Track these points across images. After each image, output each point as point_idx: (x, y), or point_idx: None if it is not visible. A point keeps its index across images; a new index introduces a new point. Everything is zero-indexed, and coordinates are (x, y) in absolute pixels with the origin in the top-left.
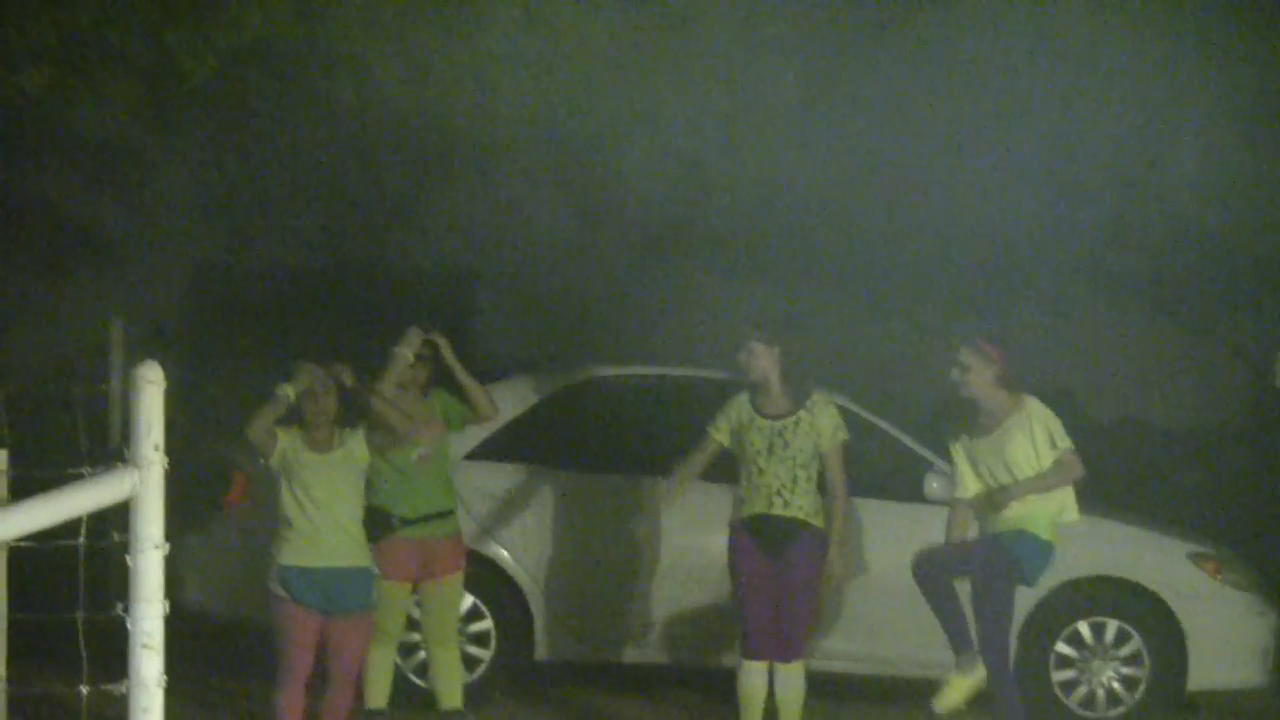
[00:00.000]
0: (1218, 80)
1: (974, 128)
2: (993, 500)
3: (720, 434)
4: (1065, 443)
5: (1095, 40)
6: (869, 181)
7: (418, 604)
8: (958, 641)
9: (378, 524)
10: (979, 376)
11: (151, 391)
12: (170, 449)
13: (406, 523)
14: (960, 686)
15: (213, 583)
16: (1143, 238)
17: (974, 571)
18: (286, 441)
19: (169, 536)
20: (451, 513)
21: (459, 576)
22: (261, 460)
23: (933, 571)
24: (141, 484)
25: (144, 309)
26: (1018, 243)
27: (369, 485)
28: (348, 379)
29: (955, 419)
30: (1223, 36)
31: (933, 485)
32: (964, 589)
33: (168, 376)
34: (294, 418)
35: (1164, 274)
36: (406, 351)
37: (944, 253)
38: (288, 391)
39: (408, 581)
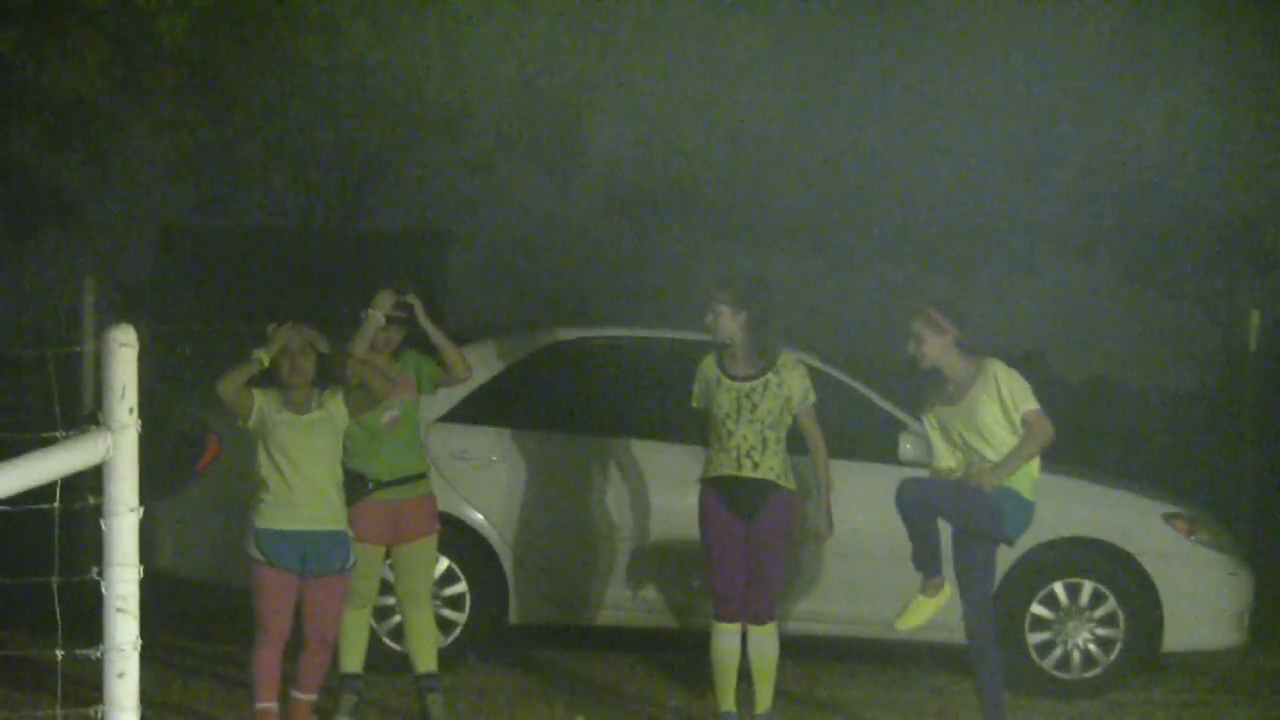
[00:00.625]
0: (1185, 41)
1: (944, 88)
2: (974, 479)
3: (695, 397)
4: (1026, 405)
5: (1063, 3)
6: (839, 142)
7: (391, 567)
8: (927, 563)
9: (351, 487)
10: (933, 346)
11: (124, 355)
12: (142, 411)
13: (379, 485)
14: (924, 607)
15: (187, 546)
16: (1112, 198)
17: (956, 523)
18: (263, 402)
19: (142, 500)
20: (424, 475)
21: (433, 539)
22: (239, 423)
23: (917, 501)
24: (115, 448)
25: (114, 269)
26: (987, 202)
27: (344, 450)
28: (322, 346)
29: (925, 390)
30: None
31: (906, 446)
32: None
33: (139, 338)
34: (272, 379)
35: (1134, 235)
36: (378, 314)
37: (914, 212)
38: (261, 356)
39: (381, 544)
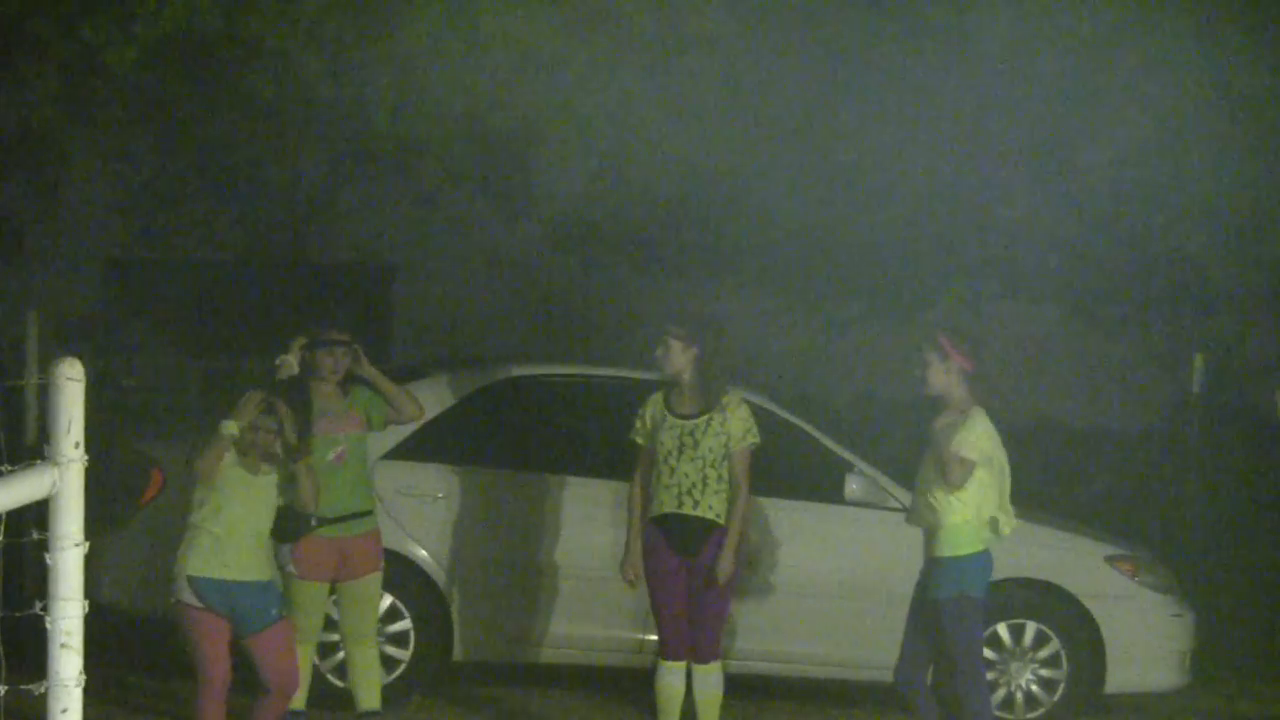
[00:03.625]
0: (1132, 80)
1: (890, 126)
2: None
3: (639, 436)
4: (962, 450)
5: (1012, 40)
6: (787, 179)
7: (335, 603)
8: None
9: (295, 523)
10: (937, 373)
11: (72, 389)
12: (86, 445)
13: (324, 521)
14: None
15: (130, 580)
16: (1057, 238)
17: (936, 637)
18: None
19: (87, 533)
20: (370, 512)
21: (378, 576)
22: (202, 482)
23: (912, 681)
24: (61, 482)
25: (59, 302)
26: (932, 240)
27: (283, 486)
28: (290, 436)
29: (930, 420)
30: (1137, 35)
31: (852, 487)
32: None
33: (84, 371)
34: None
35: (1079, 275)
36: (234, 426)
37: (861, 250)
38: (232, 429)
39: (326, 581)
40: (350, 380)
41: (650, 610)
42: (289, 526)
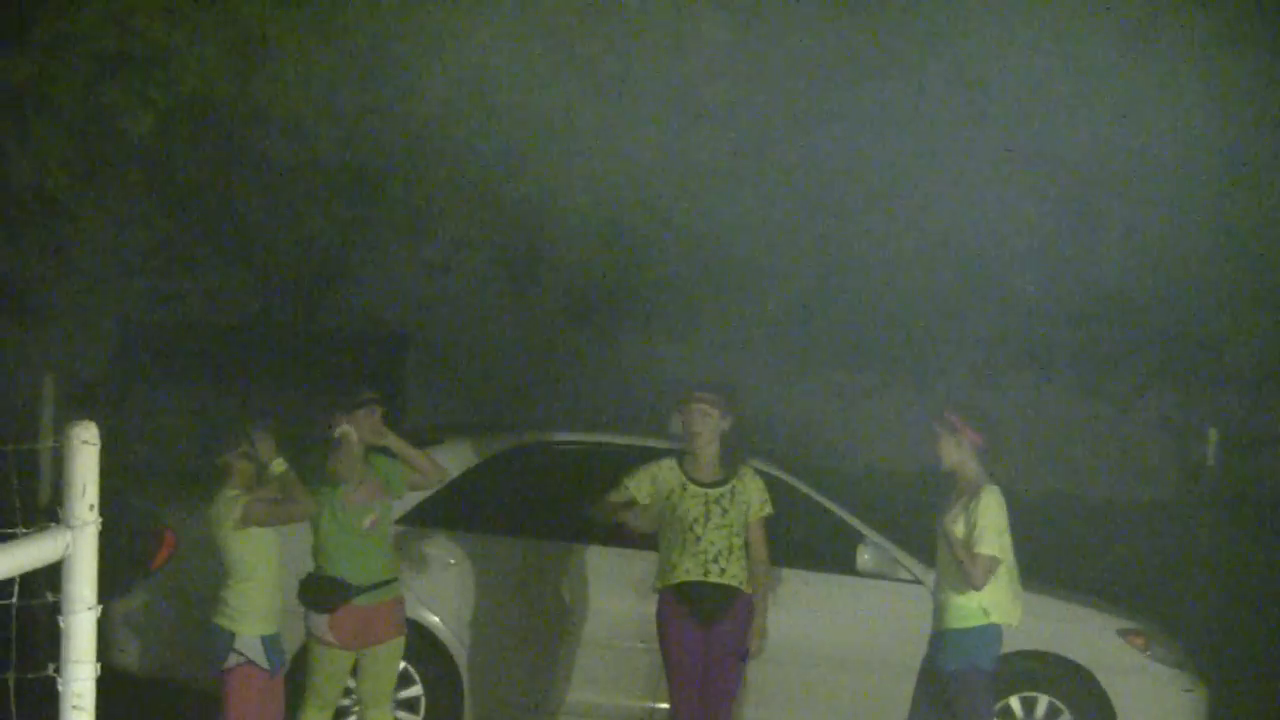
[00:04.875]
0: (1145, 155)
1: (903, 198)
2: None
3: (639, 492)
4: (982, 546)
5: (1027, 111)
6: (798, 249)
7: (355, 669)
8: None
9: (334, 593)
10: (947, 448)
11: (86, 452)
12: (100, 508)
13: (360, 591)
14: None
15: (144, 643)
16: (1069, 310)
17: (945, 710)
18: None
19: (100, 597)
20: (396, 579)
21: (401, 642)
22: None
23: None
24: (75, 545)
25: (72, 365)
26: (945, 312)
27: (316, 551)
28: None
29: (942, 494)
30: (1151, 110)
31: (864, 557)
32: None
33: (100, 431)
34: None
35: (1091, 347)
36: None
37: (874, 321)
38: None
39: (353, 650)
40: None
41: (663, 678)
42: (326, 596)
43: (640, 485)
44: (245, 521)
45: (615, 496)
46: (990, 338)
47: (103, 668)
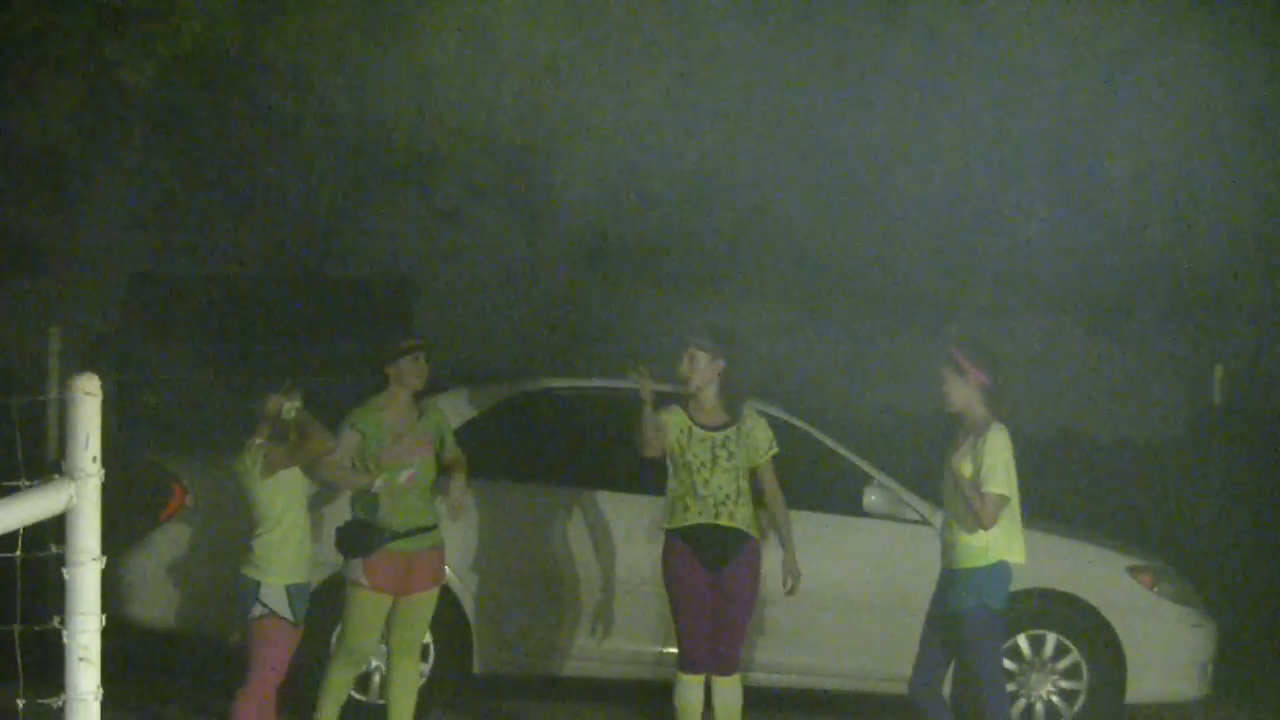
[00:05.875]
0: (1152, 95)
1: (910, 140)
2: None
3: (670, 431)
4: (989, 485)
5: (1032, 54)
6: (807, 193)
7: (389, 617)
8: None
9: (368, 537)
10: (954, 388)
11: (89, 404)
12: (107, 460)
13: (395, 536)
14: None
15: (151, 594)
16: (1077, 251)
17: (956, 649)
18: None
19: (107, 548)
20: (435, 526)
21: (436, 591)
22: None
23: (928, 693)
24: (78, 497)
25: (81, 317)
26: (953, 255)
27: (355, 498)
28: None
29: (951, 437)
30: (1156, 49)
31: (871, 499)
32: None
33: (104, 386)
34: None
35: (1100, 287)
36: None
37: (882, 264)
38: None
39: (390, 594)
40: (423, 395)
41: (673, 622)
42: (361, 540)
43: (669, 429)
44: (269, 468)
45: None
46: (999, 279)
47: (118, 620)
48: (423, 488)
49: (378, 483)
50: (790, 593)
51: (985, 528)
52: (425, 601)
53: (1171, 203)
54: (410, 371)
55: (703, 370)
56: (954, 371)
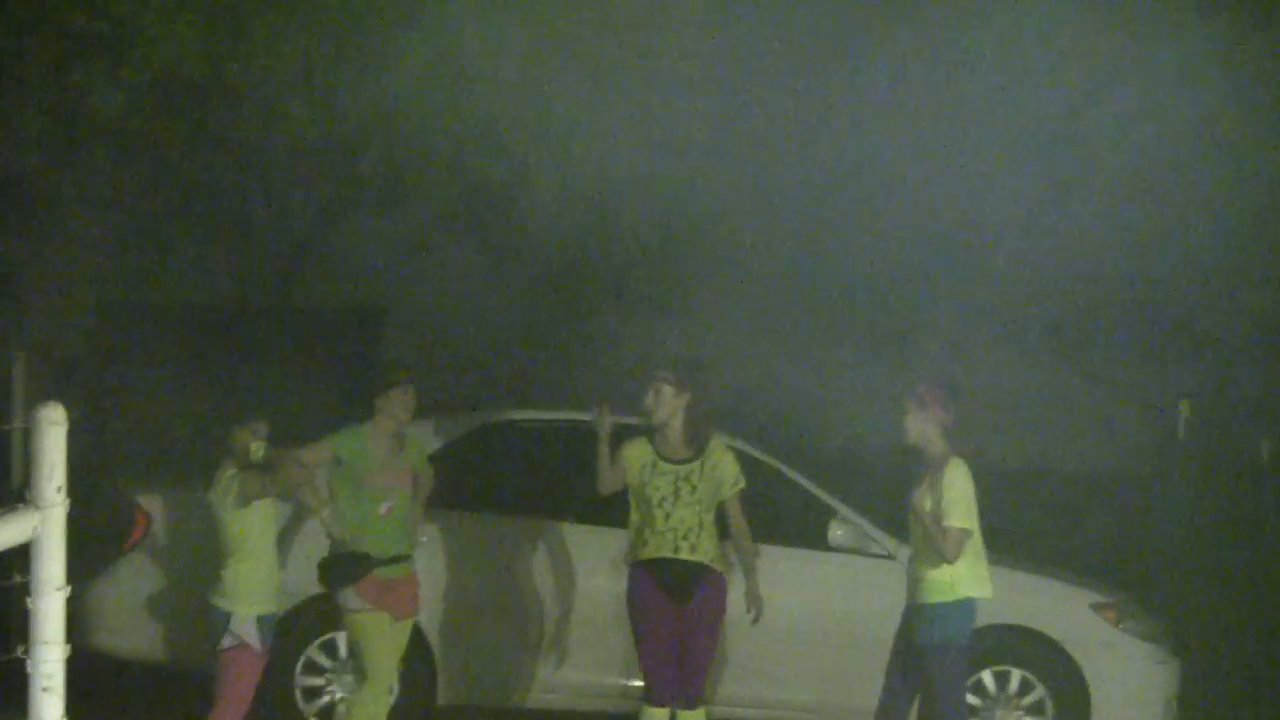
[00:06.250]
0: (1118, 130)
1: (879, 172)
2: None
3: (631, 464)
4: (950, 519)
5: (1002, 87)
6: (775, 223)
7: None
8: None
9: (355, 565)
10: (914, 421)
11: (54, 433)
12: (73, 489)
13: (378, 563)
14: None
15: (116, 623)
16: (1044, 284)
17: (920, 683)
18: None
19: (72, 576)
20: (410, 556)
21: (412, 623)
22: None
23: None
24: (43, 527)
25: (48, 344)
26: (921, 286)
27: (329, 530)
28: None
29: (911, 470)
30: (1125, 84)
31: (836, 533)
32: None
33: (71, 414)
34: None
35: (1067, 320)
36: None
37: (850, 296)
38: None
39: (387, 612)
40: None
41: (637, 655)
42: (348, 569)
43: (629, 461)
44: (245, 498)
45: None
46: (966, 312)
47: (84, 649)
48: (400, 519)
49: (384, 507)
50: (754, 622)
51: (949, 561)
52: (403, 631)
53: (1136, 236)
54: (398, 403)
55: (667, 403)
56: (916, 405)
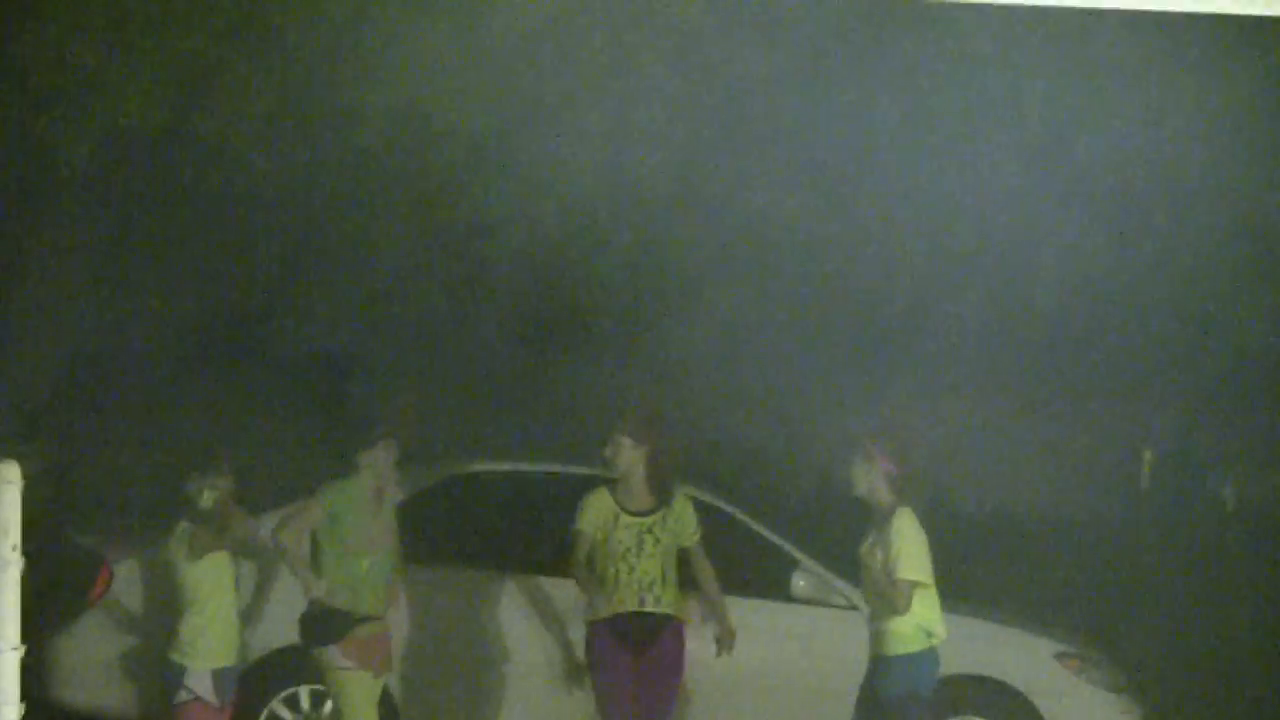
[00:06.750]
0: (1082, 176)
1: (840, 221)
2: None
3: (590, 528)
4: (901, 572)
5: (964, 134)
6: (739, 270)
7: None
8: None
9: (337, 622)
10: (860, 474)
11: (9, 491)
12: (37, 540)
13: (356, 620)
14: None
15: (78, 677)
16: (1009, 332)
17: None
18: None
19: (36, 629)
20: (382, 616)
21: (384, 680)
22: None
23: None
24: None
25: (10, 393)
26: (884, 334)
27: (319, 580)
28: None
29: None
30: (1086, 130)
31: (799, 584)
32: None
33: (35, 465)
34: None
35: (1032, 367)
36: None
37: (812, 343)
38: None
39: (370, 670)
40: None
41: (597, 709)
42: (330, 627)
43: (590, 520)
44: (196, 551)
45: (580, 550)
46: (930, 359)
47: (42, 703)
48: (381, 575)
49: (366, 563)
50: (722, 654)
51: (899, 613)
52: (376, 687)
53: (1101, 286)
54: (381, 458)
55: (626, 456)
56: (862, 458)
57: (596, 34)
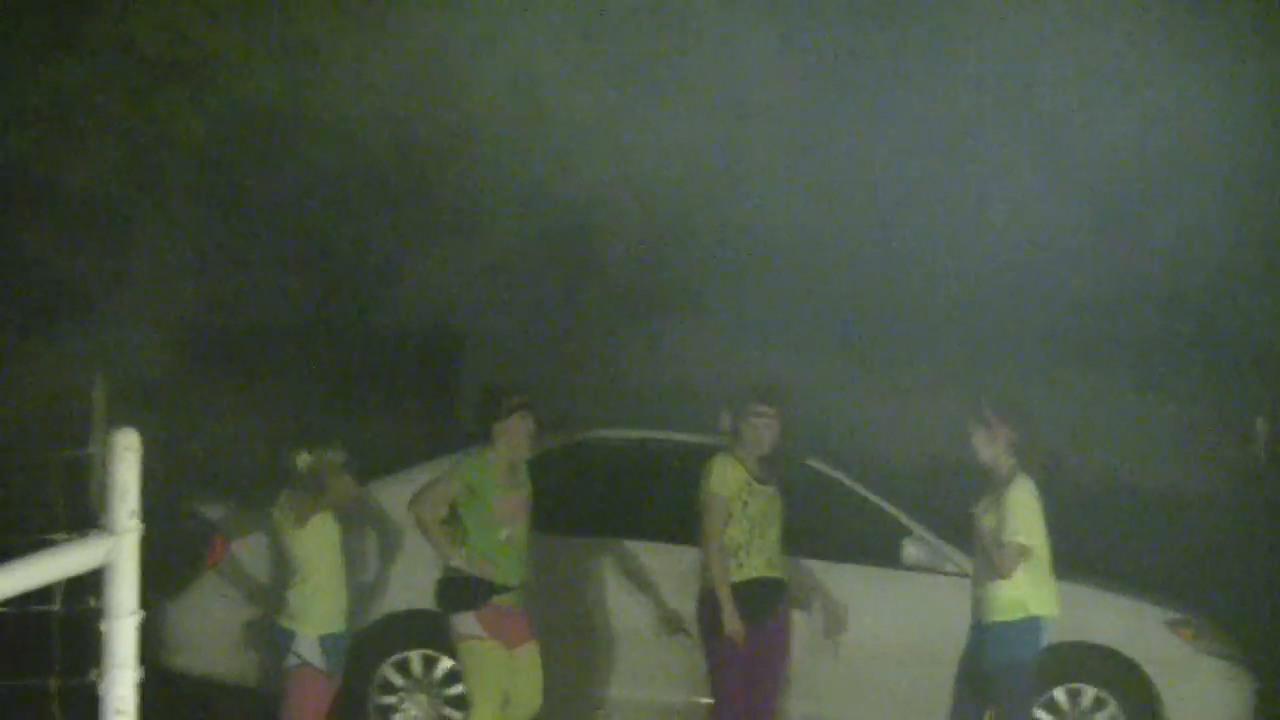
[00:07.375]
0: (1197, 151)
1: (957, 200)
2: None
3: (729, 493)
4: (1009, 533)
5: (1084, 113)
6: (855, 244)
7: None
8: None
9: (476, 591)
10: (981, 443)
11: (128, 459)
12: (154, 510)
13: (502, 590)
14: None
15: (193, 643)
16: (1123, 307)
17: (988, 703)
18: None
19: (150, 596)
20: (521, 586)
21: (535, 644)
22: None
23: None
24: (116, 551)
25: (127, 366)
26: (1001, 309)
27: (459, 549)
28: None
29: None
30: (1203, 111)
31: (910, 551)
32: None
33: (150, 435)
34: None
35: (1147, 341)
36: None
37: (929, 318)
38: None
39: (505, 645)
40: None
41: (711, 676)
42: (468, 595)
43: (729, 487)
44: (300, 518)
45: (719, 514)
46: (1042, 333)
47: (157, 671)
48: (517, 547)
49: (503, 534)
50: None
51: (1004, 577)
52: (532, 655)
53: (1212, 255)
54: (518, 430)
55: (778, 433)
56: (983, 427)
57: (705, 6)
